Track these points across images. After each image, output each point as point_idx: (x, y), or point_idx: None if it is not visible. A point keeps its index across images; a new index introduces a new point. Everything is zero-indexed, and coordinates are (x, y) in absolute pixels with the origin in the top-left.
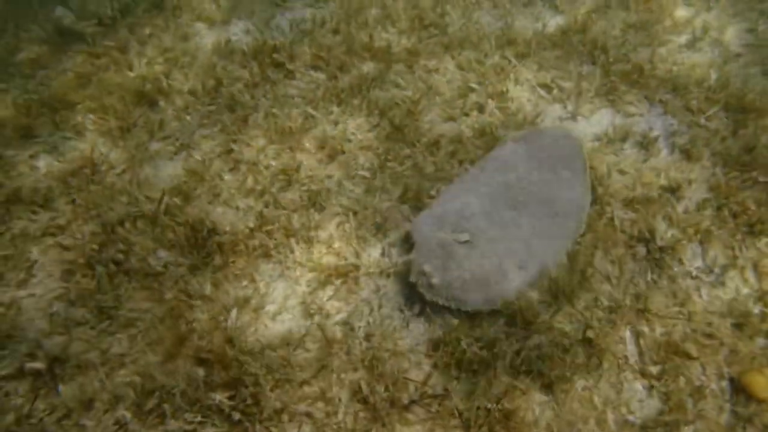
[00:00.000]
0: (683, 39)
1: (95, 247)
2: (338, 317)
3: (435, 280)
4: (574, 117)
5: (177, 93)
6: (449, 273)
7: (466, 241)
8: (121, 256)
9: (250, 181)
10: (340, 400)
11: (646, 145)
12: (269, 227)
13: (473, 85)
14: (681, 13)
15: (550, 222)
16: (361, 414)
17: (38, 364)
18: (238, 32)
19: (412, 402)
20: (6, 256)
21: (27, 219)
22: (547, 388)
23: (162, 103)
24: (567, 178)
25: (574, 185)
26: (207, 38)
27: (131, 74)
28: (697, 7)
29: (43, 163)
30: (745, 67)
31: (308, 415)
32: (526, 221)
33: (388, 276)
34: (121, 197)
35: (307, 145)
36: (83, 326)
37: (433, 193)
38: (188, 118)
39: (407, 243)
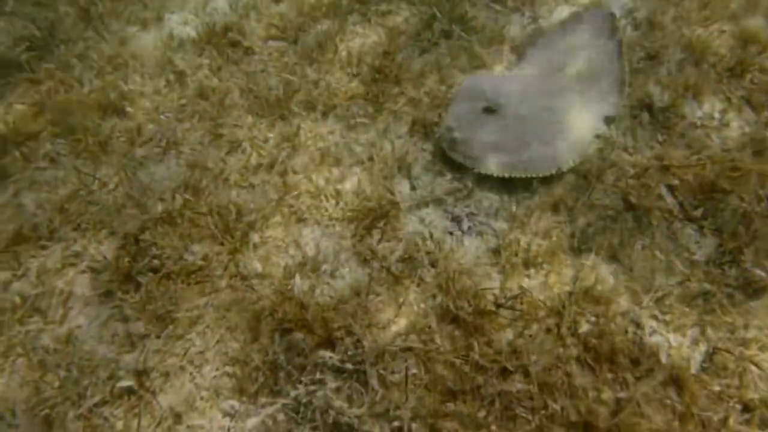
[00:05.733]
0: None
1: (128, 259)
2: (396, 255)
3: (456, 134)
4: (535, 20)
5: (141, 96)
6: (471, 132)
7: (491, 110)
8: (156, 262)
9: (254, 158)
10: (430, 327)
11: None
12: (295, 193)
13: (436, 13)
14: None
15: (589, 97)
16: (456, 332)
17: (126, 383)
18: (175, 26)
19: (498, 306)
20: (38, 294)
21: (39, 256)
22: (612, 257)
23: (129, 109)
24: (607, 53)
25: (613, 59)
26: (145, 39)
27: (84, 90)
28: None
29: (28, 200)
30: None
31: (408, 349)
32: (561, 104)
33: (427, 205)
34: (129, 210)
35: (296, 109)
36: (148, 339)
37: (436, 120)
38: (162, 117)
39: (431, 171)
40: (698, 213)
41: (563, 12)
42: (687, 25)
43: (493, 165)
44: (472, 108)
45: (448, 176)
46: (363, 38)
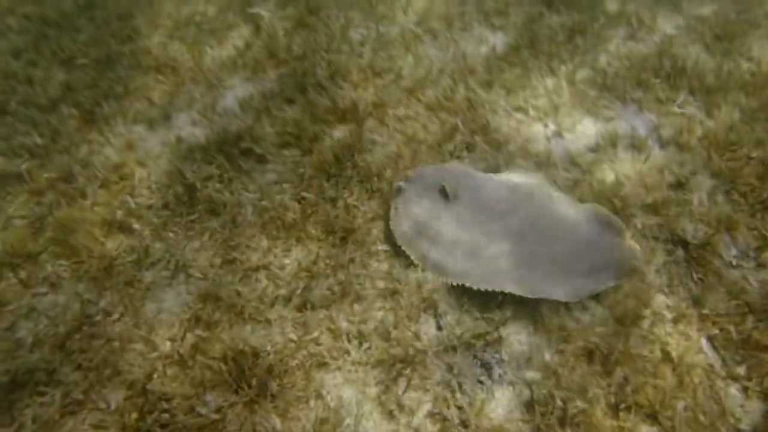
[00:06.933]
0: (622, 32)
1: (135, 415)
2: (424, 410)
3: (403, 185)
4: (559, 134)
5: (148, 210)
6: (414, 196)
7: (445, 193)
8: (166, 416)
9: (270, 289)
10: None
11: (638, 146)
12: (315, 334)
13: (458, 124)
14: (611, 6)
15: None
16: None
17: None
18: (184, 126)
19: None
20: None
21: (37, 405)
22: (652, 418)
23: (137, 226)
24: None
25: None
26: (152, 141)
27: (88, 203)
28: None
29: (24, 332)
30: (686, 48)
31: None
32: (517, 250)
33: (454, 349)
34: (135, 346)
35: (314, 231)
36: None
37: None
38: (171, 234)
39: (459, 306)
40: (741, 371)
41: (587, 125)
42: (715, 149)
43: (400, 234)
44: (435, 180)
45: (476, 314)
46: (382, 147)
